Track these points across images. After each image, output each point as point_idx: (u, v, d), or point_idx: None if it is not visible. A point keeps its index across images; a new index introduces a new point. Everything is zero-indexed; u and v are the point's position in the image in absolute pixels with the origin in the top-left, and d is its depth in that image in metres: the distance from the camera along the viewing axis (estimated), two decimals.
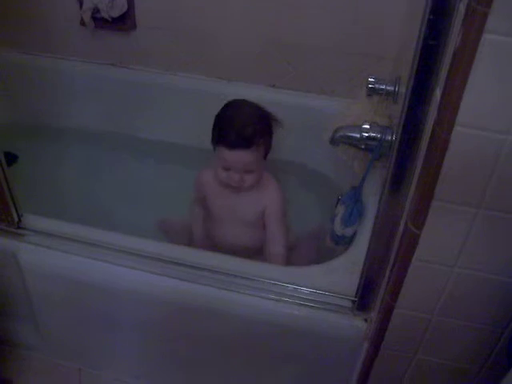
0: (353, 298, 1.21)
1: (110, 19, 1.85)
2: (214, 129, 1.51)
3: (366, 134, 1.36)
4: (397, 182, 0.96)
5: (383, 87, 1.48)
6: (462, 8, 0.72)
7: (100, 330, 1.47)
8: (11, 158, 2.02)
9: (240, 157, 1.46)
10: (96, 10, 1.84)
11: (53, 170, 2.05)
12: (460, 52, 0.71)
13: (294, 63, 1.84)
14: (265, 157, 1.54)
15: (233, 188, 1.54)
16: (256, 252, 1.63)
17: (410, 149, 0.91)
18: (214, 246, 1.65)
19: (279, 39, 1.79)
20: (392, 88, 1.45)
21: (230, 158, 1.47)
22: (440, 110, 0.78)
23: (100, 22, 1.88)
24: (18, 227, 1.37)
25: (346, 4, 1.67)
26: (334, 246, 1.49)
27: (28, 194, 1.46)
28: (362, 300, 1.19)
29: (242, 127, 1.45)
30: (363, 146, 1.40)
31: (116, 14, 1.84)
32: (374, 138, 1.36)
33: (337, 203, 1.51)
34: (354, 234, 1.42)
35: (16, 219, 1.35)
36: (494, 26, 0.66)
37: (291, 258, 1.61)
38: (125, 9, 1.83)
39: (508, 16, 0.65)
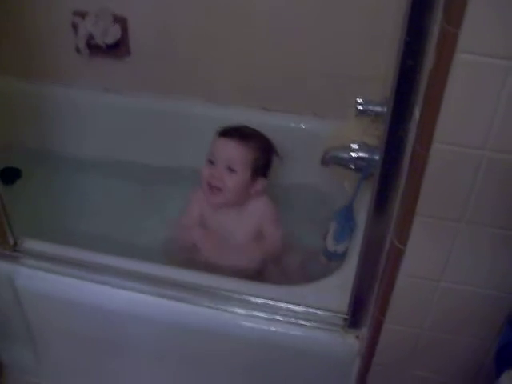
0: (344, 316, 1.22)
1: (104, 46, 1.89)
2: None
3: (355, 155, 1.39)
4: (382, 199, 0.98)
5: (372, 108, 1.50)
6: (435, 29, 0.75)
7: (99, 353, 1.47)
8: (15, 173, 2.06)
9: (229, 145, 1.51)
10: (91, 37, 1.88)
11: (51, 192, 2.05)
12: (434, 72, 0.74)
13: (286, 86, 1.86)
14: (252, 174, 1.55)
15: (215, 197, 1.55)
16: (250, 275, 1.62)
17: (394, 167, 0.93)
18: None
19: (270, 63, 1.81)
20: (380, 109, 1.48)
21: (220, 144, 1.53)
22: (418, 128, 0.81)
23: (95, 48, 1.91)
24: (14, 250, 1.38)
25: (334, 26, 1.71)
26: (327, 262, 1.51)
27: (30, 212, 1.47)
28: (354, 317, 1.20)
29: (243, 127, 1.56)
30: (353, 166, 1.43)
31: (110, 40, 1.87)
32: (362, 158, 1.38)
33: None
34: (346, 250, 1.44)
35: (12, 242, 1.37)
36: (464, 45, 0.69)
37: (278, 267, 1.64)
38: (119, 35, 1.87)
39: (477, 35, 0.68)
